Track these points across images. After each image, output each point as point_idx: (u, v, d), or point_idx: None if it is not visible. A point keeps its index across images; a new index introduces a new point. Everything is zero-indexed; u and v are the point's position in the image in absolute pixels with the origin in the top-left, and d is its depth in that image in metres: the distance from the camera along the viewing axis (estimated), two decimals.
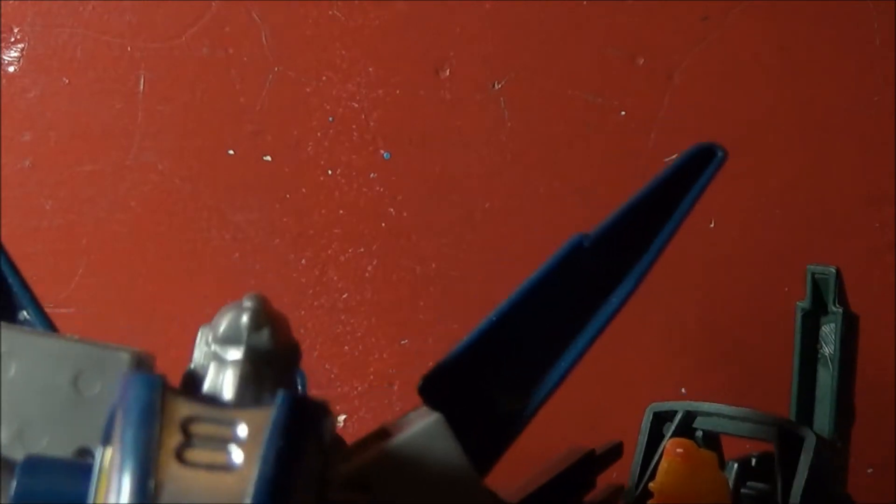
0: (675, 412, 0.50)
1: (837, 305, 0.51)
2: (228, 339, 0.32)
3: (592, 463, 0.46)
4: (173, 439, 0.28)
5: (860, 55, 0.70)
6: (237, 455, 0.28)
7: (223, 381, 0.32)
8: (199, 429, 0.29)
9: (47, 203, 0.71)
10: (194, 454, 0.28)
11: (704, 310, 0.71)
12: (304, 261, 0.71)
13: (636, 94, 0.70)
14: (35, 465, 0.31)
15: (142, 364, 0.35)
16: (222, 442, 0.29)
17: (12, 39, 0.70)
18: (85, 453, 0.33)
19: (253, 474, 0.28)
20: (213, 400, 0.31)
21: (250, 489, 0.28)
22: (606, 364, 0.70)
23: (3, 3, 0.69)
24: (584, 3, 0.70)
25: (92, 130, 0.70)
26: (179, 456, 0.28)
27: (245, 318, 0.32)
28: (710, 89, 0.70)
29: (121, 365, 0.34)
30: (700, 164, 0.38)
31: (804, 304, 0.52)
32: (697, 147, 0.39)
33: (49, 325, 0.38)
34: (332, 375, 0.72)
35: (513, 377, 0.38)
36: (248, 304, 0.33)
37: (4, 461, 0.33)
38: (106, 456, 0.29)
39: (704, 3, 0.70)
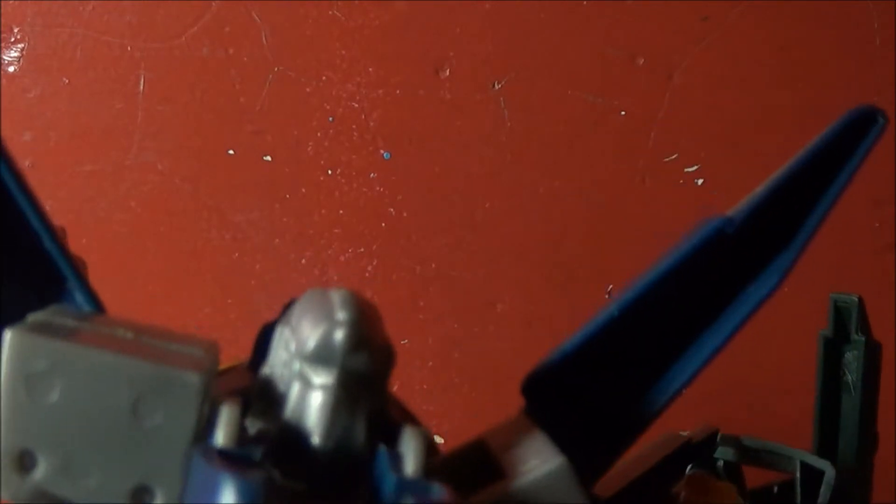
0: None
1: (860, 334, 0.51)
2: (318, 359, 0.27)
3: (687, 452, 0.43)
4: None
5: (860, 55, 0.70)
6: None
7: (310, 408, 0.27)
8: None
9: (47, 203, 0.70)
10: None
11: None
12: (304, 261, 0.71)
13: (636, 94, 0.70)
14: None
15: (210, 378, 0.28)
16: None
17: (12, 39, 0.70)
18: (142, 492, 0.28)
19: None
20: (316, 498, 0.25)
21: None
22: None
23: (3, 3, 0.69)
24: (584, 3, 0.70)
25: (92, 130, 0.70)
26: None
27: (340, 337, 0.27)
28: (710, 89, 0.70)
29: (188, 390, 0.27)
30: (857, 132, 0.33)
31: (826, 332, 0.52)
32: (855, 112, 0.34)
33: (97, 305, 0.34)
34: None
35: (629, 378, 0.33)
36: (342, 316, 0.27)
37: (48, 495, 0.28)
38: None
39: (704, 3, 0.70)
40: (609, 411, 0.33)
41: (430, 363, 0.72)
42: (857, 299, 0.50)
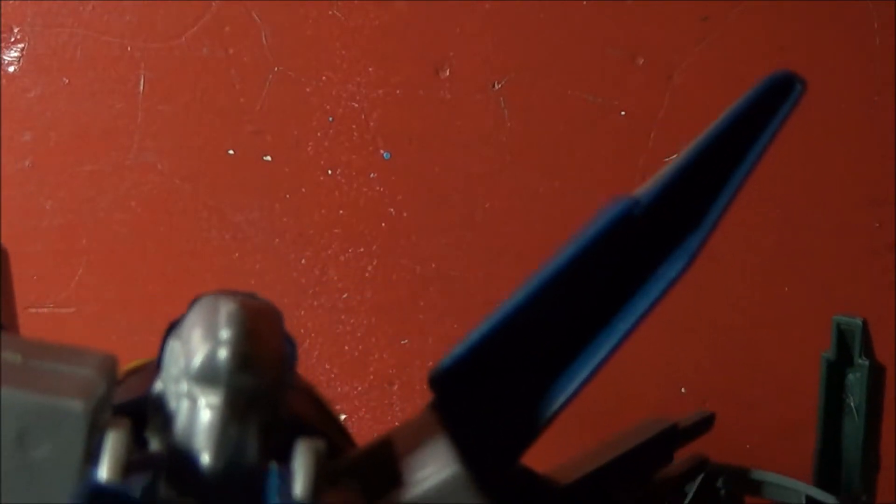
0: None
1: (864, 357, 0.50)
2: (204, 379, 0.27)
3: (674, 437, 0.42)
4: None
5: (860, 55, 0.70)
6: None
7: (198, 427, 0.27)
8: None
9: (47, 203, 0.71)
10: None
11: (704, 309, 0.71)
12: (304, 261, 0.71)
13: (636, 94, 0.70)
14: None
15: (99, 404, 0.28)
16: None
17: (12, 39, 0.70)
18: None
19: None
20: None
21: None
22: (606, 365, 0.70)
23: (3, 3, 0.69)
24: (584, 3, 0.70)
25: (92, 130, 0.70)
26: None
27: (224, 355, 0.27)
28: (710, 89, 0.70)
29: (74, 420, 0.27)
30: (773, 101, 0.31)
31: (829, 354, 0.51)
32: (770, 78, 0.31)
33: None
34: (332, 375, 0.72)
35: (539, 366, 0.32)
36: (225, 334, 0.27)
37: None
38: None
39: (704, 3, 0.70)
40: (520, 400, 0.32)
41: (430, 363, 0.72)
42: (860, 322, 0.49)
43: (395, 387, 0.72)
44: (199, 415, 0.27)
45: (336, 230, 0.71)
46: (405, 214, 0.71)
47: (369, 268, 0.72)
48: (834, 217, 0.71)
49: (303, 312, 0.71)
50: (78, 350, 0.29)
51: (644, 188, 0.32)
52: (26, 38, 0.70)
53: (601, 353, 0.32)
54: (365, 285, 0.71)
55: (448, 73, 0.71)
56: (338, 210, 0.71)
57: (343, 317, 0.72)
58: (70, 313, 0.70)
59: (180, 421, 0.27)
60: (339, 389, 0.71)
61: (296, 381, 0.31)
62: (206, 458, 0.27)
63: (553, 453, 0.47)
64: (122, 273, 0.71)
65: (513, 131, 0.71)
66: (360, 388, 0.72)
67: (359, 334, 0.72)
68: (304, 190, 0.71)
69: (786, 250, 0.71)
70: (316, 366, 0.71)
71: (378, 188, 0.71)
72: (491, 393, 0.32)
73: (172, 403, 0.28)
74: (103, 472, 0.26)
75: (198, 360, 0.27)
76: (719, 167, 0.31)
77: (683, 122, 0.70)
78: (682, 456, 0.45)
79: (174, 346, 0.29)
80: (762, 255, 0.71)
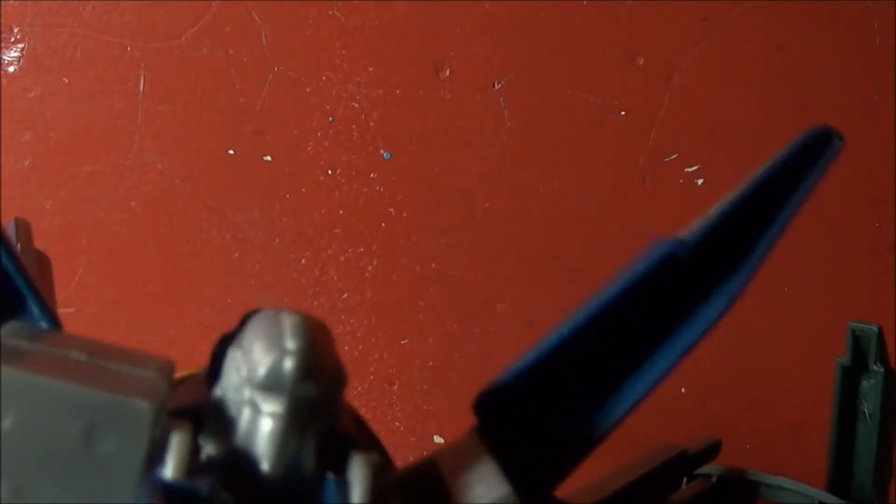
0: (710, 476, 0.49)
1: (879, 364, 0.50)
2: (268, 388, 0.28)
3: (683, 463, 0.43)
4: None
5: (860, 55, 0.70)
6: None
7: (259, 435, 0.28)
8: None
9: (47, 203, 0.71)
10: None
11: None
12: (304, 261, 0.71)
13: (636, 94, 0.70)
14: None
15: (163, 403, 0.29)
16: None
17: (12, 39, 0.70)
18: None
19: None
20: None
21: None
22: None
23: (3, 3, 0.69)
24: (584, 3, 0.70)
25: (92, 130, 0.70)
26: None
27: (290, 366, 0.28)
28: (710, 89, 0.70)
29: (139, 419, 0.28)
30: (812, 153, 0.32)
31: (844, 361, 0.51)
32: (810, 133, 0.33)
33: (52, 320, 0.34)
34: None
35: (581, 396, 0.33)
36: (291, 345, 0.28)
37: None
38: None
39: (704, 3, 0.70)
40: (560, 430, 0.33)
41: (430, 363, 0.72)
42: (876, 329, 0.49)
43: (395, 387, 0.72)
44: (261, 422, 0.28)
45: (336, 230, 0.71)
46: (405, 214, 0.71)
47: (369, 268, 0.72)
48: (834, 217, 0.71)
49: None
50: (138, 352, 0.30)
51: (689, 229, 0.33)
52: (26, 38, 0.70)
53: (641, 388, 0.33)
54: (365, 285, 0.71)
55: (448, 73, 0.71)
56: (338, 210, 0.71)
57: (343, 317, 0.72)
58: (70, 313, 0.70)
59: (241, 428, 0.28)
60: None
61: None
62: (266, 465, 0.28)
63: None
64: (122, 273, 0.71)
65: (513, 131, 0.71)
66: (360, 388, 0.72)
67: (359, 334, 0.72)
68: (304, 190, 0.71)
69: (786, 250, 0.71)
70: None
71: (378, 188, 0.71)
72: (532, 421, 0.33)
73: (233, 411, 0.28)
74: (168, 470, 0.27)
75: (262, 369, 0.27)
76: (760, 214, 0.33)
77: (683, 122, 0.70)
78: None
79: (235, 355, 0.29)
80: None
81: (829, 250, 0.71)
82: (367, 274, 0.72)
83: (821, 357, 0.71)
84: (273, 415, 0.27)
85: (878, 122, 0.71)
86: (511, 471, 0.31)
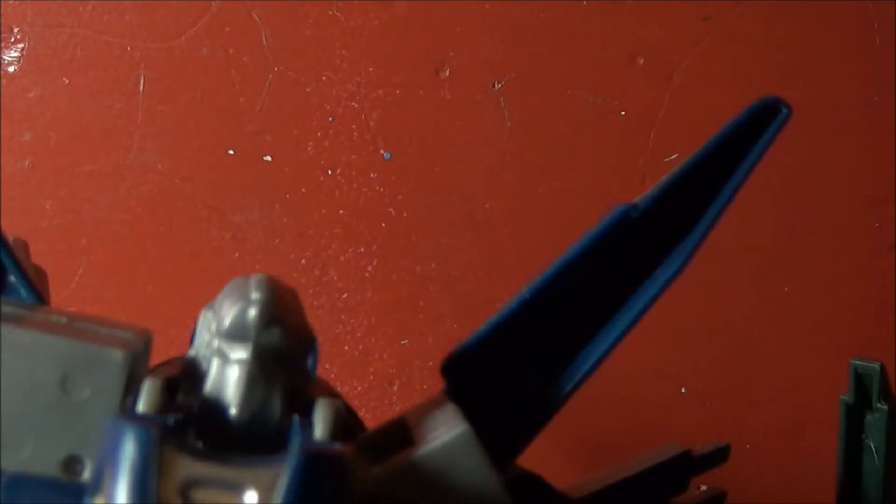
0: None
1: (882, 402, 0.50)
2: (234, 336, 0.29)
3: (686, 464, 0.43)
4: None
5: (860, 55, 0.70)
6: None
7: (227, 382, 0.29)
8: (201, 495, 0.26)
9: (47, 203, 0.71)
10: None
11: (704, 308, 0.71)
12: (304, 261, 0.71)
13: (636, 94, 0.70)
14: (18, 486, 0.29)
15: (137, 361, 0.31)
16: None
17: (12, 39, 0.70)
18: (73, 462, 0.30)
19: None
20: (218, 454, 0.27)
21: None
22: (605, 363, 0.70)
23: (3, 3, 0.69)
24: (584, 3, 0.70)
25: (92, 130, 0.70)
26: None
27: (253, 314, 0.29)
28: (710, 89, 0.70)
29: (113, 366, 0.30)
30: (761, 122, 0.35)
31: (848, 398, 0.52)
32: (759, 102, 0.35)
33: (37, 296, 0.35)
34: (332, 375, 0.72)
35: (544, 359, 0.35)
36: (255, 295, 0.30)
37: None
38: None
39: (704, 3, 0.70)
40: (525, 392, 0.35)
41: (431, 363, 0.72)
42: (878, 367, 0.50)
43: (395, 387, 0.72)
44: (229, 370, 0.29)
45: (336, 230, 0.71)
46: (405, 214, 0.71)
47: (369, 268, 0.72)
48: (834, 217, 0.71)
49: None
50: (120, 322, 0.33)
51: (642, 195, 0.35)
52: (26, 38, 0.70)
53: (602, 347, 0.35)
54: (365, 285, 0.71)
55: (448, 73, 0.71)
56: (338, 210, 0.71)
57: (343, 317, 0.72)
58: None
59: (211, 377, 0.29)
60: (339, 389, 0.71)
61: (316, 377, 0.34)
62: (234, 411, 0.29)
63: (556, 452, 0.47)
64: (122, 273, 0.71)
65: (513, 131, 0.71)
66: (360, 388, 0.72)
67: (359, 334, 0.72)
68: (304, 190, 0.71)
69: (786, 250, 0.71)
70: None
71: (378, 188, 0.71)
72: (499, 383, 0.35)
73: (204, 365, 0.30)
74: (140, 407, 0.28)
75: (228, 319, 0.29)
76: (711, 180, 0.35)
77: (683, 122, 0.70)
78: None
79: (206, 314, 0.31)
80: (762, 255, 0.71)
81: (829, 250, 0.71)
82: (367, 274, 0.72)
83: (821, 357, 0.71)
84: (239, 361, 0.29)
85: (878, 122, 0.71)
86: (478, 433, 0.32)
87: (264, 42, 0.70)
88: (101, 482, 0.26)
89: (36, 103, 0.70)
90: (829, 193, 0.71)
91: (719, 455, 0.46)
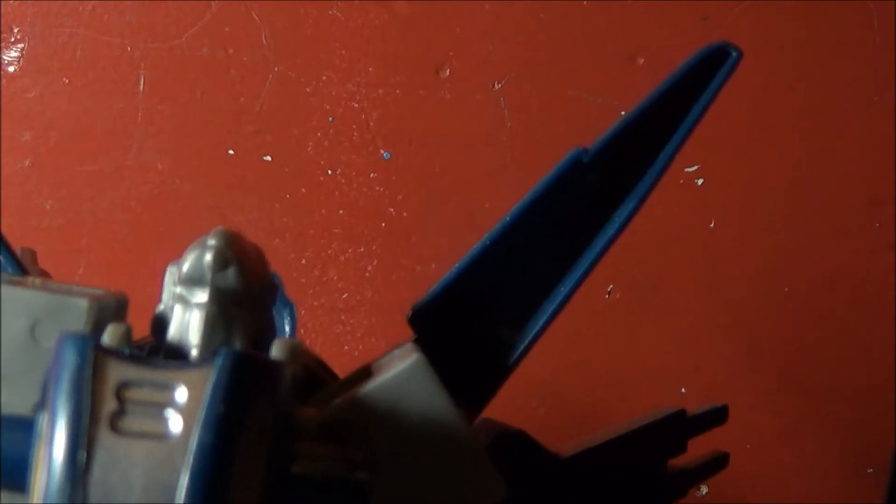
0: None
1: None
2: (193, 280, 0.31)
3: (683, 423, 0.42)
4: (106, 406, 0.26)
5: (860, 55, 0.70)
6: (175, 422, 0.26)
7: (189, 325, 0.30)
8: (134, 394, 0.27)
9: (47, 203, 0.71)
10: (129, 422, 0.26)
11: (704, 309, 0.71)
12: (304, 261, 0.71)
13: (636, 94, 0.70)
14: None
15: (105, 311, 0.32)
16: (159, 408, 0.27)
17: (12, 39, 0.70)
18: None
19: (192, 443, 0.26)
20: (153, 360, 0.28)
21: (188, 459, 0.26)
22: (605, 363, 0.70)
23: (3, 3, 0.69)
24: (584, 3, 0.70)
25: (92, 130, 0.70)
26: (113, 424, 0.26)
27: (208, 258, 0.31)
28: None
29: (79, 314, 0.32)
30: (712, 66, 0.35)
31: None
32: (708, 48, 0.35)
33: (18, 266, 0.36)
34: None
35: (509, 305, 0.36)
36: (211, 241, 0.31)
37: None
38: (43, 422, 0.27)
39: (704, 3, 0.70)
40: (490, 339, 0.35)
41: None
42: None
43: None
44: (189, 315, 0.30)
45: (336, 230, 0.71)
46: (405, 214, 0.71)
47: (369, 268, 0.72)
48: (834, 217, 0.71)
49: (303, 312, 0.71)
50: (96, 288, 0.34)
51: (594, 140, 0.36)
52: (26, 38, 0.70)
53: (563, 291, 0.35)
54: (365, 285, 0.71)
55: (448, 73, 0.71)
56: (338, 210, 0.71)
57: (343, 317, 0.72)
58: None
59: (174, 323, 0.31)
60: None
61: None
62: (194, 353, 0.30)
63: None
64: (122, 273, 0.71)
65: (513, 131, 0.71)
66: None
67: (359, 334, 0.72)
68: (304, 190, 0.71)
69: (786, 250, 0.71)
70: None
71: (378, 188, 0.71)
72: (465, 330, 0.35)
73: (168, 315, 0.31)
74: (104, 338, 0.29)
75: (186, 265, 0.31)
76: (662, 124, 0.35)
77: None
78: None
79: (171, 269, 0.32)
80: (762, 255, 0.71)
81: (829, 250, 0.71)
82: (367, 274, 0.72)
83: (821, 357, 0.71)
84: (199, 305, 0.30)
85: (878, 122, 0.71)
86: (444, 381, 0.33)
87: (264, 42, 0.70)
88: (45, 397, 0.27)
89: (36, 103, 0.70)
90: (829, 193, 0.71)
91: (716, 416, 0.45)
